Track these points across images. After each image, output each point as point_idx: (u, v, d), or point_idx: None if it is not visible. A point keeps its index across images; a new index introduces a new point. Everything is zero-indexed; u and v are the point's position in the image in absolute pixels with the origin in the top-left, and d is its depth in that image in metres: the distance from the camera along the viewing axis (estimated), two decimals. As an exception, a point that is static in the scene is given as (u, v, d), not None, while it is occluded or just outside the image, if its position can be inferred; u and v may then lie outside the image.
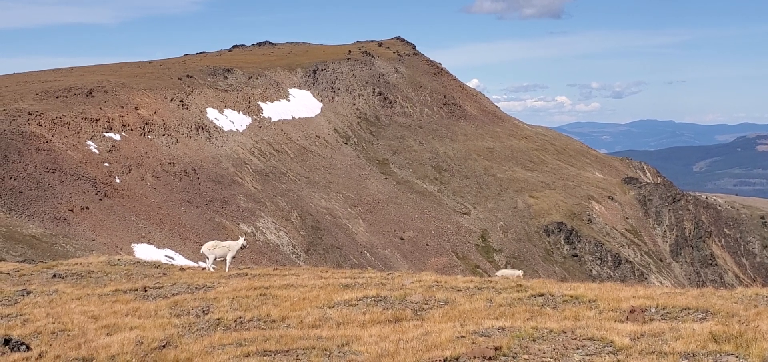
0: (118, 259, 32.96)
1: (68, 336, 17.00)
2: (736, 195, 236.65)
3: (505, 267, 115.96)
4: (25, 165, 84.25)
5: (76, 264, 31.12)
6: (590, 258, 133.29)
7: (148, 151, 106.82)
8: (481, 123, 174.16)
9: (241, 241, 30.36)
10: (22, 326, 18.44)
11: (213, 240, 34.57)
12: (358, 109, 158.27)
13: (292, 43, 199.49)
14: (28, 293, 23.62)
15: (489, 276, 45.08)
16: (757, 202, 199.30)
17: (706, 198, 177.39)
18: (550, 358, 13.56)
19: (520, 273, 33.17)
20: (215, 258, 29.86)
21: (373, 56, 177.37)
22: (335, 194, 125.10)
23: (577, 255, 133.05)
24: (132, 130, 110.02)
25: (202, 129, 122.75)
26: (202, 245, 31.19)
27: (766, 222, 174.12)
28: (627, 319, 16.46)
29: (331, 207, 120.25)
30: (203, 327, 17.81)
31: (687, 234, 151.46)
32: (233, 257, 30.02)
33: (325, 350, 14.81)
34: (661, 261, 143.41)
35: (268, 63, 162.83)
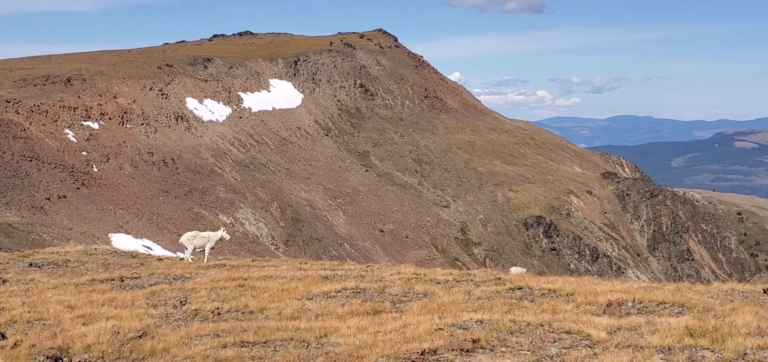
0: (95, 249, 32.77)
1: (44, 325, 16.89)
2: (714, 190, 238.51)
3: (484, 261, 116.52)
4: (1, 153, 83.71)
5: (53, 253, 30.91)
6: (568, 252, 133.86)
7: (126, 140, 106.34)
8: (461, 116, 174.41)
9: (222, 233, 30.19)
10: (-2, 315, 18.31)
11: (192, 230, 34.48)
12: (339, 100, 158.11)
13: (273, 33, 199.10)
14: (4, 282, 23.46)
15: (468, 269, 45.18)
16: (734, 198, 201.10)
17: (684, 193, 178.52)
18: (528, 351, 13.60)
19: (523, 270, 33.49)
20: (194, 249, 29.74)
21: (354, 48, 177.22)
22: (315, 186, 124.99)
23: (555, 249, 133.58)
24: (110, 118, 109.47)
25: (182, 118, 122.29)
26: (180, 235, 31.05)
27: (742, 217, 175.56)
28: (604, 313, 16.52)
29: (311, 199, 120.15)
30: (180, 318, 17.73)
31: (664, 229, 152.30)
32: (212, 248, 29.89)
33: (304, 341, 14.78)
34: (638, 255, 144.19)
35: (249, 53, 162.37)
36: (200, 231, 32.15)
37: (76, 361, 14.38)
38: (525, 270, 34.40)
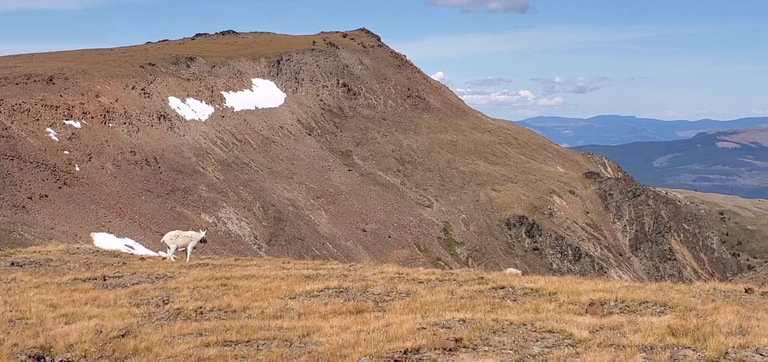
0: (78, 248, 32.65)
1: (26, 324, 16.83)
2: (696, 191, 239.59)
3: (467, 261, 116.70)
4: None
5: (35, 252, 30.79)
6: (551, 251, 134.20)
7: (108, 139, 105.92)
8: (444, 116, 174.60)
9: (202, 234, 30.21)
10: (-21, 314, 18.21)
11: (175, 230, 34.39)
12: (321, 100, 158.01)
13: (256, 32, 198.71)
14: (-14, 281, 23.33)
15: (451, 268, 45.26)
16: (716, 198, 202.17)
17: (666, 193, 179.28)
18: (510, 350, 13.64)
19: (519, 271, 33.50)
20: (177, 248, 29.67)
21: (337, 47, 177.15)
22: (298, 185, 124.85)
23: (538, 249, 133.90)
24: (92, 117, 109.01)
25: (164, 118, 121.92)
26: (162, 235, 31.01)
27: (724, 217, 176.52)
28: (586, 312, 16.59)
29: (294, 199, 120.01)
30: (163, 317, 17.71)
31: (646, 229, 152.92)
32: (194, 247, 29.88)
33: (286, 341, 14.78)
34: (620, 255, 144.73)
35: (232, 52, 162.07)
36: (183, 230, 32.08)
37: (58, 360, 14.35)
38: (519, 272, 34.40)
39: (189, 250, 29.56)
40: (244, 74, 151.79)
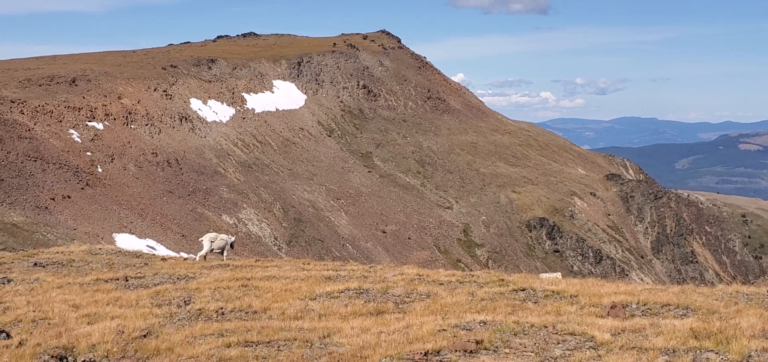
0: (100, 249, 32.84)
1: (49, 324, 16.92)
2: (718, 193, 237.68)
3: (487, 263, 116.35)
4: (6, 153, 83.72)
5: (58, 252, 30.98)
6: (572, 254, 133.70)
7: (130, 140, 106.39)
8: (465, 117, 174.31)
9: (232, 239, 31.00)
10: (2, 314, 18.34)
11: (211, 232, 34.78)
12: (342, 101, 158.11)
13: (276, 34, 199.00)
14: (9, 281, 23.48)
15: (471, 270, 45.09)
16: (739, 201, 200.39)
17: (688, 195, 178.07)
18: (531, 352, 13.60)
19: (558, 275, 33.15)
20: (212, 250, 30.03)
21: (357, 49, 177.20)
22: (318, 186, 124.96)
23: (558, 251, 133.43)
24: (115, 119, 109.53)
25: (186, 119, 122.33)
26: (184, 236, 31.47)
27: (746, 220, 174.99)
28: (608, 315, 16.52)
29: (314, 200, 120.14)
30: (184, 318, 17.77)
31: (668, 232, 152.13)
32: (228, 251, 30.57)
33: (307, 341, 14.81)
34: (642, 257, 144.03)
35: (253, 54, 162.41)
36: (210, 233, 32.43)
37: (80, 360, 14.43)
38: (559, 274, 33.91)
39: (225, 253, 30.19)
40: (265, 76, 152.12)
